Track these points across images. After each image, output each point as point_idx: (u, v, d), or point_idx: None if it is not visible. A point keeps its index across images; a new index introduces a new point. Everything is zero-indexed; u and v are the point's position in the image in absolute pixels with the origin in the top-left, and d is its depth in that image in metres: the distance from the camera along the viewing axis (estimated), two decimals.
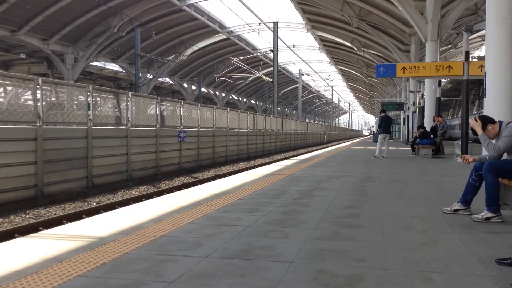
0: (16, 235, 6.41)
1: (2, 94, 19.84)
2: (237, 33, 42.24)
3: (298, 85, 55.86)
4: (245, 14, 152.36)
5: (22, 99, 13.00)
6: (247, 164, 19.65)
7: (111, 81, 42.00)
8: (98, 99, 12.46)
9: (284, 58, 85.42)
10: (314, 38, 38.74)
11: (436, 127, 15.15)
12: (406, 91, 31.69)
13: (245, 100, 69.55)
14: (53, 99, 10.76)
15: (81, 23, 29.11)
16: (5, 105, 11.73)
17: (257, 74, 37.64)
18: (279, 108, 61.93)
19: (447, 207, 4.71)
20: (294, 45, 50.37)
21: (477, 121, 4.43)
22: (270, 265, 2.88)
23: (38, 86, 9.34)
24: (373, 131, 56.56)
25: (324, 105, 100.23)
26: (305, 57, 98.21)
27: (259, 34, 37.11)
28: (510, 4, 8.16)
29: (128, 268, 2.81)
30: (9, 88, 13.11)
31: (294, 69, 62.58)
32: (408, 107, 30.36)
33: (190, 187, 9.73)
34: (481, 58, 18.35)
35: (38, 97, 9.37)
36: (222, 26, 39.36)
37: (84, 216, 7.58)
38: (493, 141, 4.37)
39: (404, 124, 34.71)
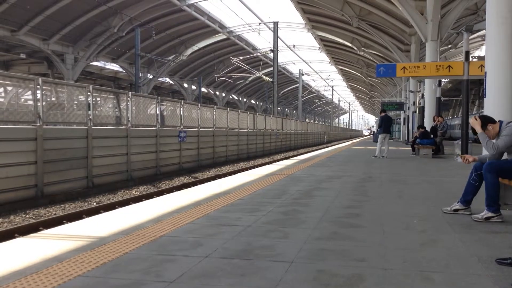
0: (16, 235, 6.41)
1: (2, 94, 19.86)
2: (237, 33, 42.25)
3: (298, 85, 55.86)
4: (245, 14, 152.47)
5: (22, 99, 13.01)
6: (247, 164, 19.64)
7: (111, 81, 42.02)
8: (98, 99, 12.46)
9: (284, 58, 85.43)
10: (314, 38, 38.74)
11: (436, 127, 15.16)
12: (406, 91, 31.71)
13: (245, 100, 69.55)
14: (53, 99, 10.76)
15: (81, 23, 29.13)
16: (5, 105, 11.74)
17: (257, 74, 37.64)
18: (279, 108, 61.90)
19: (447, 207, 4.71)
20: (294, 45, 50.38)
21: (476, 119, 4.44)
22: (270, 265, 2.88)
23: (38, 86, 9.34)
24: (373, 131, 56.58)
25: (324, 105, 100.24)
26: (305, 57, 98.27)
27: (259, 34, 37.18)
28: (510, 4, 8.17)
29: (128, 268, 2.81)
30: (9, 88, 13.12)
31: (294, 69, 62.68)
32: (408, 107, 30.38)
33: (190, 187, 9.73)
34: (481, 58, 18.34)
35: (38, 97, 9.37)
36: (222, 26, 39.37)
37: (84, 216, 7.58)
38: (493, 140, 4.37)
39: (404, 124, 34.73)
